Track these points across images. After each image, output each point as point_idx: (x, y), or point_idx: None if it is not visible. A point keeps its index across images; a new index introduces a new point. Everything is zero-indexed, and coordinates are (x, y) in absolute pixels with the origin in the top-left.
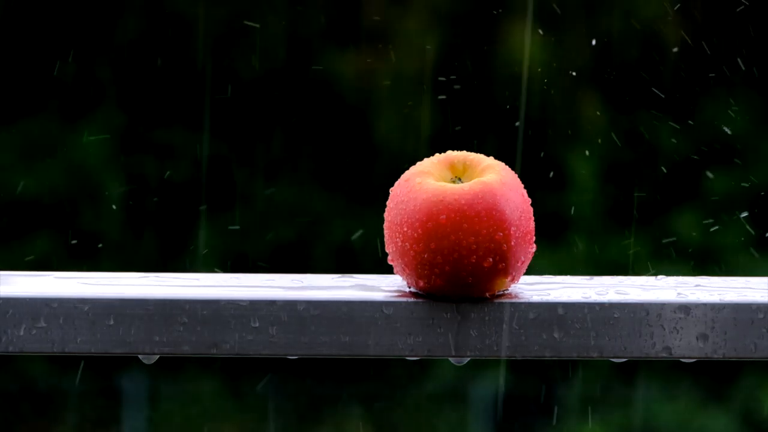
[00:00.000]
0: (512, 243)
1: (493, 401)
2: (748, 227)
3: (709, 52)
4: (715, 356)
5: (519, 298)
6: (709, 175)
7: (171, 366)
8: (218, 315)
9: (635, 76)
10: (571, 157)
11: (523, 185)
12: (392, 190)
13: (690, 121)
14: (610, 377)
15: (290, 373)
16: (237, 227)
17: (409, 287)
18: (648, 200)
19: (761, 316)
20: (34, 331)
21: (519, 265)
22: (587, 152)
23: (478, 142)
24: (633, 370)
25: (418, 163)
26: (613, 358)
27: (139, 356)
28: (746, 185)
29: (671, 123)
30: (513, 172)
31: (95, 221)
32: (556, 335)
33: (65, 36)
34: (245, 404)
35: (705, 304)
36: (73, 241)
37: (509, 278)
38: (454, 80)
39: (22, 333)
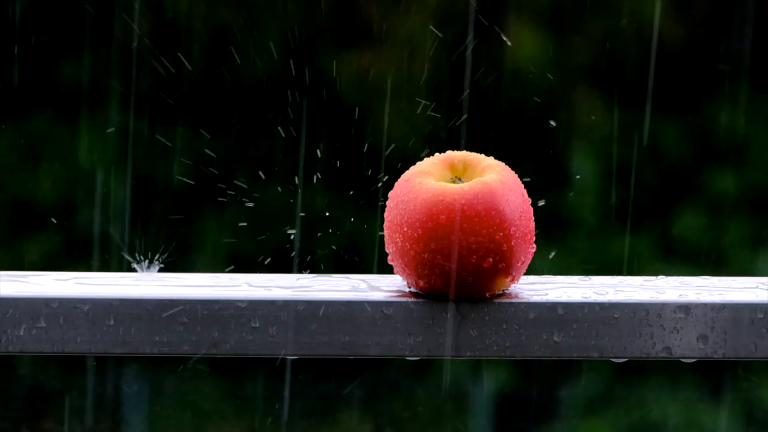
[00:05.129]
0: (512, 243)
1: (493, 401)
2: (748, 227)
3: (711, 50)
4: (715, 356)
5: (519, 298)
6: (711, 174)
7: (171, 366)
8: (218, 315)
9: (637, 75)
10: (572, 157)
11: (523, 185)
12: (392, 191)
13: (692, 121)
14: (611, 377)
15: (290, 373)
16: (237, 227)
17: (409, 287)
18: (649, 200)
19: (761, 316)
20: (34, 331)
21: (519, 265)
22: (589, 152)
23: (479, 142)
24: (633, 370)
25: (418, 163)
26: (613, 358)
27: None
28: (747, 185)
29: (673, 122)
30: (513, 172)
31: (95, 221)
32: (556, 335)
33: (66, 35)
34: (245, 404)
35: (705, 304)
36: (73, 242)
37: (509, 278)
38: (454, 80)
39: (22, 333)
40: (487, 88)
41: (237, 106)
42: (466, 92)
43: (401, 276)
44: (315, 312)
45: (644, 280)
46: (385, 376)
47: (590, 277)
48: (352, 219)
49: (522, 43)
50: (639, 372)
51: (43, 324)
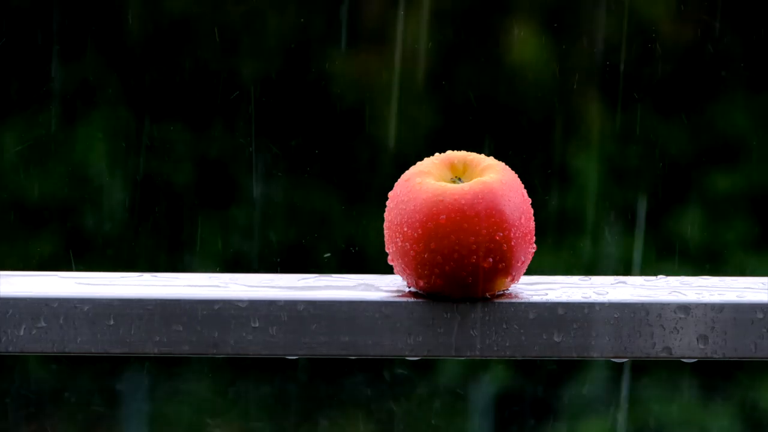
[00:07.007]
0: (512, 243)
1: (493, 401)
2: (748, 227)
3: (712, 51)
4: (715, 356)
5: (519, 298)
6: (711, 174)
7: (171, 366)
8: (218, 315)
9: (637, 75)
10: (572, 157)
11: (523, 185)
12: (392, 191)
13: (692, 121)
14: (610, 377)
15: (290, 373)
16: (237, 227)
17: (409, 287)
18: (649, 200)
19: (761, 316)
20: (34, 331)
21: (519, 265)
22: (589, 152)
23: (479, 143)
24: (633, 370)
25: (418, 163)
26: (613, 358)
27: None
28: (747, 185)
29: (673, 123)
30: (513, 172)
31: (95, 221)
32: (556, 335)
33: (66, 35)
34: (245, 404)
35: (705, 304)
36: (73, 241)
37: (509, 278)
38: (454, 80)
39: (22, 333)
40: (487, 88)
41: (237, 105)
42: (467, 92)
43: (401, 276)
44: (315, 312)
45: (644, 280)
46: (385, 376)
47: (590, 277)
48: (352, 219)
49: (522, 43)
50: (639, 372)
51: (43, 324)
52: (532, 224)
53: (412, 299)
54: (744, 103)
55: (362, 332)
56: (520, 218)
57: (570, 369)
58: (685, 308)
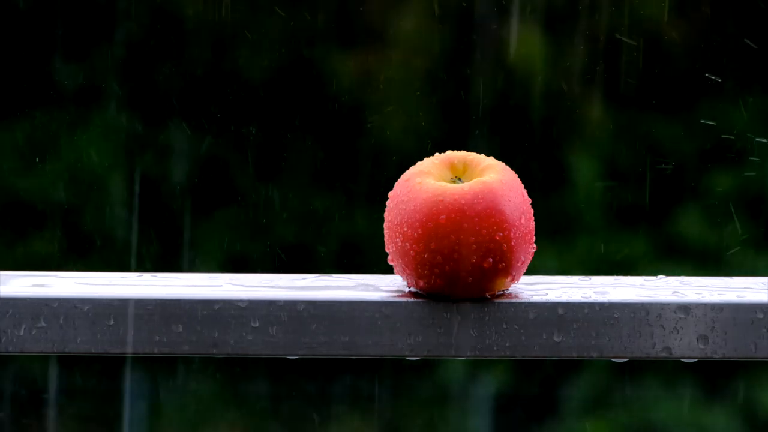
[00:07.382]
0: (512, 243)
1: (493, 401)
2: (748, 227)
3: (711, 50)
4: (715, 356)
5: (519, 298)
6: (711, 174)
7: (171, 366)
8: (218, 315)
9: (637, 75)
10: (572, 157)
11: (523, 185)
12: (392, 191)
13: (692, 121)
14: (610, 377)
15: (290, 373)
16: (237, 227)
17: (409, 287)
18: (649, 200)
19: (761, 316)
20: (34, 331)
21: (519, 265)
22: (589, 152)
23: (479, 142)
24: (633, 369)
25: (418, 163)
26: (613, 358)
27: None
28: (747, 185)
29: (673, 122)
30: (513, 171)
31: (95, 221)
32: (556, 335)
33: (65, 35)
34: (245, 404)
35: (705, 304)
36: (73, 241)
37: (509, 278)
38: (454, 80)
39: (22, 333)
40: (487, 88)
41: (237, 106)
42: (467, 92)
43: (401, 276)
44: (315, 312)
45: (644, 280)
46: (385, 376)
47: (590, 277)
48: (352, 219)
49: (522, 42)
50: (639, 372)
51: (43, 324)
52: (532, 224)
53: (412, 299)
54: (744, 103)
55: (362, 332)
56: (520, 218)
57: (570, 369)
58: (685, 308)
